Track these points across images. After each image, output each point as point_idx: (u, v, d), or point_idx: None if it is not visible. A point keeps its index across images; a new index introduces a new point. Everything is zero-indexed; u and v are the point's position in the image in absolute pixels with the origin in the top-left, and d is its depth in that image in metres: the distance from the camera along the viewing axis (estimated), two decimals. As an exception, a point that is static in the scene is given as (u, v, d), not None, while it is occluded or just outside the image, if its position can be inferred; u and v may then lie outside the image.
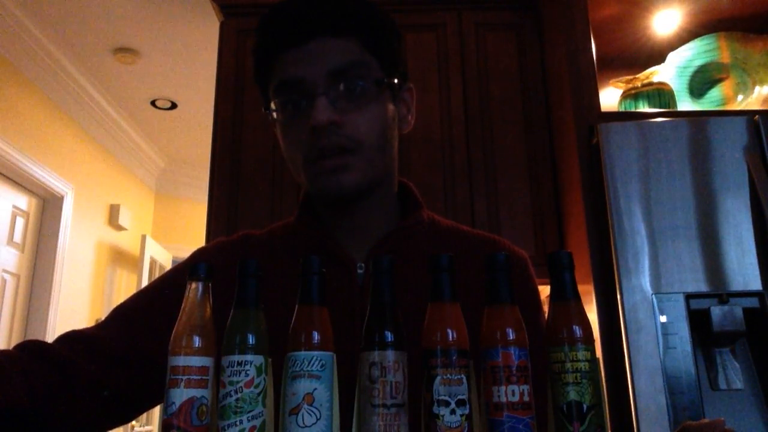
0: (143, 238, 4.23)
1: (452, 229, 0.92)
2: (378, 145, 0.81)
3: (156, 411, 4.34)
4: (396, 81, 0.85)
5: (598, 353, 1.67)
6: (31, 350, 0.78)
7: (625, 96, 2.09)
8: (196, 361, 0.56)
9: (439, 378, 0.53)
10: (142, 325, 0.83)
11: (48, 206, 3.61)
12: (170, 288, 0.83)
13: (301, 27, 0.80)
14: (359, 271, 0.83)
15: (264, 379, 0.56)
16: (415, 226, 0.88)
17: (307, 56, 0.79)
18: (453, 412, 0.52)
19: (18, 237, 3.38)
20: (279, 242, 0.90)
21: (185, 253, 4.79)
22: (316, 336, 0.56)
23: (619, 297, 1.59)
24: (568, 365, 0.54)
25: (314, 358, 0.55)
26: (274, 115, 0.83)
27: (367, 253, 0.84)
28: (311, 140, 0.78)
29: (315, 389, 0.54)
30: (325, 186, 0.80)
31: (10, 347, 0.80)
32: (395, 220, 0.89)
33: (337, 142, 0.78)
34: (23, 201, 3.44)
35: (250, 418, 0.54)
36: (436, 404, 0.52)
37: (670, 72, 2.11)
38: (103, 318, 0.88)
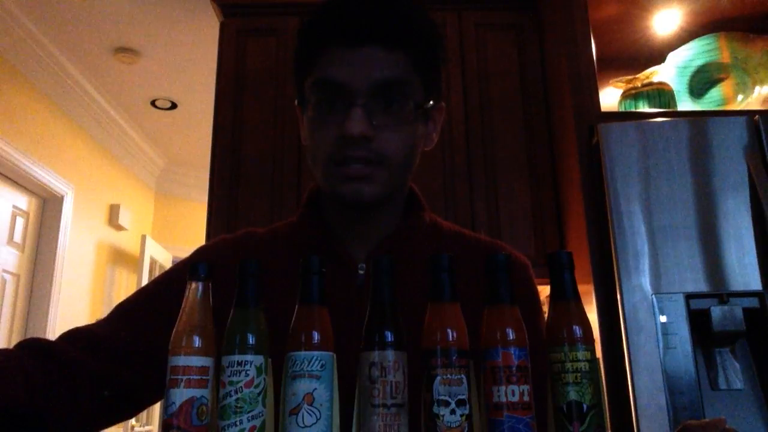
0: (143, 238, 4.23)
1: (453, 232, 0.93)
2: (403, 164, 0.81)
3: (156, 411, 4.35)
4: (433, 102, 0.84)
5: (598, 353, 1.67)
6: (32, 348, 0.78)
7: (625, 96, 2.09)
8: (196, 361, 0.56)
9: (439, 378, 0.53)
10: (143, 322, 0.83)
11: (48, 206, 3.61)
12: (172, 285, 0.83)
13: (356, 29, 0.78)
14: (360, 271, 0.83)
15: (264, 379, 0.56)
16: (416, 227, 0.88)
17: (354, 61, 0.77)
18: (453, 412, 0.52)
19: (18, 237, 3.38)
20: (281, 241, 0.90)
21: (185, 253, 4.75)
22: (316, 336, 0.56)
23: (619, 297, 1.59)
24: (568, 365, 0.54)
25: (314, 358, 0.55)
26: (302, 108, 0.83)
27: (368, 253, 0.85)
28: (338, 146, 0.77)
29: (315, 389, 0.54)
30: (344, 192, 0.79)
31: (11, 347, 0.80)
32: (398, 222, 0.89)
33: (364, 155, 0.77)
34: (23, 201, 3.44)
35: (250, 418, 0.54)
36: (436, 404, 0.52)
37: (670, 72, 2.11)
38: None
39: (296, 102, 0.85)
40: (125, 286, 4.44)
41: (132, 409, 0.86)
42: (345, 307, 0.79)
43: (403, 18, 0.80)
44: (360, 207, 0.82)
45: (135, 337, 0.82)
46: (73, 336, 0.82)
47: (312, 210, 0.89)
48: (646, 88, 2.04)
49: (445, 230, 0.92)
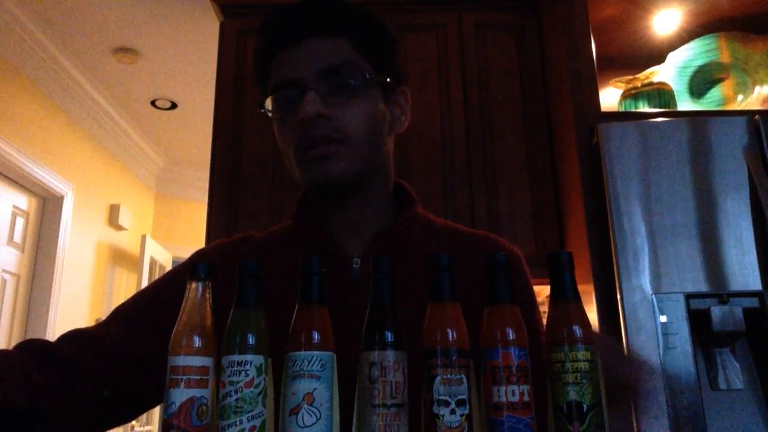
0: (143, 238, 4.23)
1: (447, 227, 0.94)
2: (365, 137, 0.83)
3: (156, 411, 4.34)
4: (387, 80, 0.87)
5: (598, 353, 1.67)
6: (31, 349, 0.79)
7: (625, 96, 2.08)
8: (196, 361, 0.56)
9: (439, 378, 0.53)
10: (142, 324, 0.83)
11: (48, 206, 3.61)
12: (170, 288, 0.83)
13: (294, 28, 0.84)
14: (354, 266, 0.84)
15: (264, 379, 0.56)
16: (410, 221, 0.89)
17: (299, 56, 0.83)
18: (453, 412, 0.52)
19: (18, 237, 3.38)
20: (278, 242, 0.91)
21: (185, 253, 4.78)
22: (316, 336, 0.55)
23: (619, 297, 1.59)
24: (568, 365, 0.54)
25: (314, 358, 0.55)
26: (269, 114, 0.86)
27: (363, 248, 0.86)
28: (301, 132, 0.81)
29: (315, 389, 0.54)
30: (313, 174, 0.82)
31: (10, 347, 0.81)
32: (391, 218, 0.90)
33: (325, 134, 0.80)
34: (23, 201, 3.44)
35: (250, 418, 0.54)
36: (436, 404, 0.52)
37: (670, 72, 2.11)
38: (103, 318, 0.88)
39: (260, 110, 0.88)
40: (125, 286, 4.44)
41: (132, 411, 0.86)
42: (341, 303, 0.80)
43: (336, 9, 0.85)
44: (332, 187, 0.83)
45: (134, 339, 0.82)
46: (72, 337, 0.83)
47: (303, 209, 0.91)
48: (646, 88, 2.03)
49: (439, 225, 0.93)
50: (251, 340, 0.56)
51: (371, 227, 0.87)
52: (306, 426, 0.53)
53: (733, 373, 1.53)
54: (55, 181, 3.51)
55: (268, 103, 0.86)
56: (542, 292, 2.13)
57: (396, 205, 0.92)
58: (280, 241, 0.91)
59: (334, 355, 0.56)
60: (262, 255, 0.88)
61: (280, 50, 0.84)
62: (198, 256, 0.92)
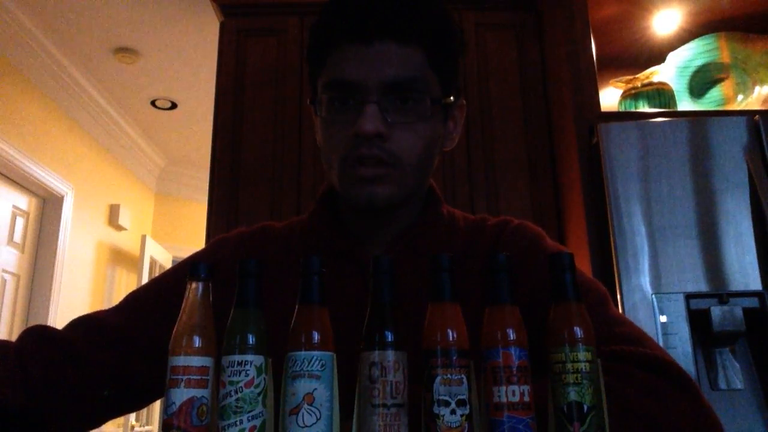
0: (143, 238, 4.23)
1: (469, 223, 0.90)
2: (417, 165, 0.78)
3: (156, 411, 4.35)
4: (451, 99, 0.82)
5: (598, 353, 1.67)
6: (39, 339, 0.78)
7: (625, 96, 2.09)
8: (196, 361, 0.56)
9: (439, 378, 0.53)
10: (155, 315, 0.81)
11: (48, 206, 3.61)
12: (184, 277, 0.83)
13: (367, 24, 0.75)
14: None
15: (264, 379, 0.56)
16: (433, 223, 0.86)
17: (367, 58, 0.75)
18: (453, 412, 0.52)
19: (18, 237, 3.38)
20: (296, 239, 0.88)
21: (185, 253, 4.78)
22: (316, 336, 0.55)
23: (619, 297, 1.59)
24: (569, 366, 0.54)
25: (314, 358, 0.55)
26: (317, 109, 0.80)
27: (383, 251, 0.83)
28: (352, 145, 0.75)
29: (315, 389, 0.54)
30: (357, 195, 0.77)
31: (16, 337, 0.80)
32: (415, 219, 0.86)
33: (378, 155, 0.75)
34: (23, 201, 3.44)
35: (250, 418, 0.54)
36: (436, 404, 0.52)
37: (670, 72, 2.11)
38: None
39: (309, 102, 0.83)
40: (125, 286, 4.43)
41: (134, 404, 0.85)
42: (356, 304, 0.79)
43: (417, 11, 0.77)
44: (374, 210, 0.79)
45: (145, 327, 0.80)
46: (82, 325, 0.81)
47: (325, 209, 0.87)
48: (646, 88, 2.04)
49: (461, 224, 0.89)
50: (251, 340, 0.56)
51: (394, 230, 0.84)
52: (306, 426, 0.53)
53: (733, 373, 1.53)
54: (55, 181, 3.51)
55: (320, 99, 0.79)
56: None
57: (422, 204, 0.88)
58: (299, 236, 0.88)
59: (334, 355, 0.56)
60: (280, 248, 0.86)
61: (346, 44, 0.76)
62: (219, 243, 0.90)
